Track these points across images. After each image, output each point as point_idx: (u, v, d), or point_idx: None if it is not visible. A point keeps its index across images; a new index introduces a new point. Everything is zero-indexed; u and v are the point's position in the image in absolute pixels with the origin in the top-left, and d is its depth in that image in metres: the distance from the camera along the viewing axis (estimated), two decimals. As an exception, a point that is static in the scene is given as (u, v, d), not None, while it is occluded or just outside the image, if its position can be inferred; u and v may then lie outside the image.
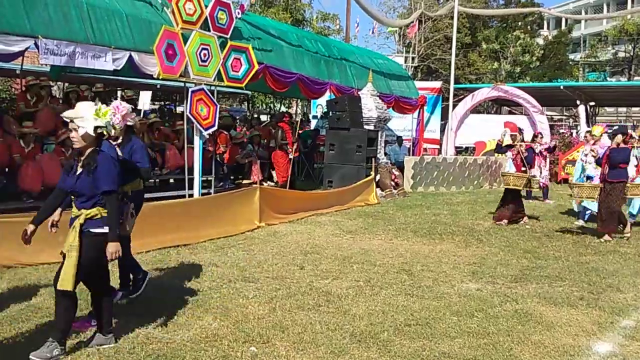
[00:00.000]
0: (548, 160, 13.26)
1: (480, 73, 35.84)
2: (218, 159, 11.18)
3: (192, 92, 8.84)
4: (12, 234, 4.73)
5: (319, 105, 19.28)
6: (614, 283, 6.08)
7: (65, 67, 9.78)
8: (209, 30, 9.09)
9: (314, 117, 20.48)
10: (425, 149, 19.85)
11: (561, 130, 24.58)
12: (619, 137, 8.57)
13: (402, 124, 19.43)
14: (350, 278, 5.95)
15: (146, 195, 5.27)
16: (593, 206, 9.33)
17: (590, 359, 4.08)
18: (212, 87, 9.47)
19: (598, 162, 8.91)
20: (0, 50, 6.88)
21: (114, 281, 4.62)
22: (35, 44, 7.12)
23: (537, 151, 10.84)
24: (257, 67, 10.03)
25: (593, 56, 42.78)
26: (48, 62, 7.49)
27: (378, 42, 40.89)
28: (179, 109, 17.02)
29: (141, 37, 8.46)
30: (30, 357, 3.56)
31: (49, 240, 4.29)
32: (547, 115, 25.37)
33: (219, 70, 9.32)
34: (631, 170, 8.92)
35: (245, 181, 11.67)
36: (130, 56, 8.25)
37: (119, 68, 8.23)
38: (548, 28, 50.88)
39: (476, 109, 24.10)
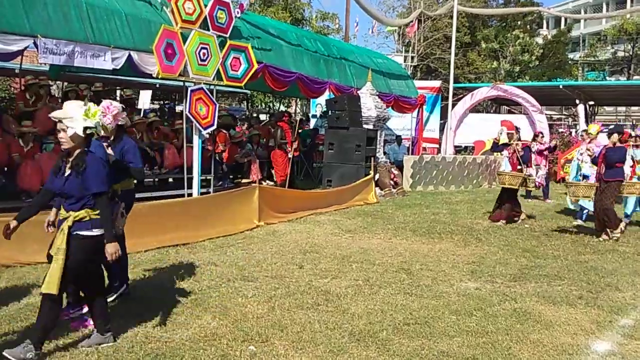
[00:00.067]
0: (547, 159, 13.22)
1: (480, 72, 35.78)
2: (217, 158, 11.16)
3: (192, 91, 8.85)
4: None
5: (319, 105, 19.25)
6: (613, 282, 6.09)
7: (64, 67, 9.74)
8: (209, 30, 9.10)
9: (313, 116, 20.46)
10: (424, 148, 19.82)
11: (560, 130, 24.57)
12: (615, 137, 8.58)
13: (401, 123, 19.43)
14: (349, 277, 5.95)
15: (145, 195, 5.27)
16: (589, 205, 9.33)
17: (589, 358, 4.08)
18: (212, 87, 9.47)
19: (594, 161, 8.90)
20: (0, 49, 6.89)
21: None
22: (35, 43, 7.13)
23: (534, 150, 10.78)
24: (256, 66, 10.05)
25: (592, 55, 42.77)
26: (47, 61, 7.50)
27: (377, 41, 40.83)
28: (179, 108, 17.00)
29: (140, 36, 8.48)
30: (4, 353, 3.48)
31: (47, 240, 4.28)
32: (546, 114, 25.40)
33: (218, 69, 9.33)
34: (626, 170, 8.91)
35: (244, 180, 11.65)
36: (130, 55, 8.27)
37: (118, 67, 8.24)
38: (547, 27, 50.82)
39: (475, 108, 24.14)
